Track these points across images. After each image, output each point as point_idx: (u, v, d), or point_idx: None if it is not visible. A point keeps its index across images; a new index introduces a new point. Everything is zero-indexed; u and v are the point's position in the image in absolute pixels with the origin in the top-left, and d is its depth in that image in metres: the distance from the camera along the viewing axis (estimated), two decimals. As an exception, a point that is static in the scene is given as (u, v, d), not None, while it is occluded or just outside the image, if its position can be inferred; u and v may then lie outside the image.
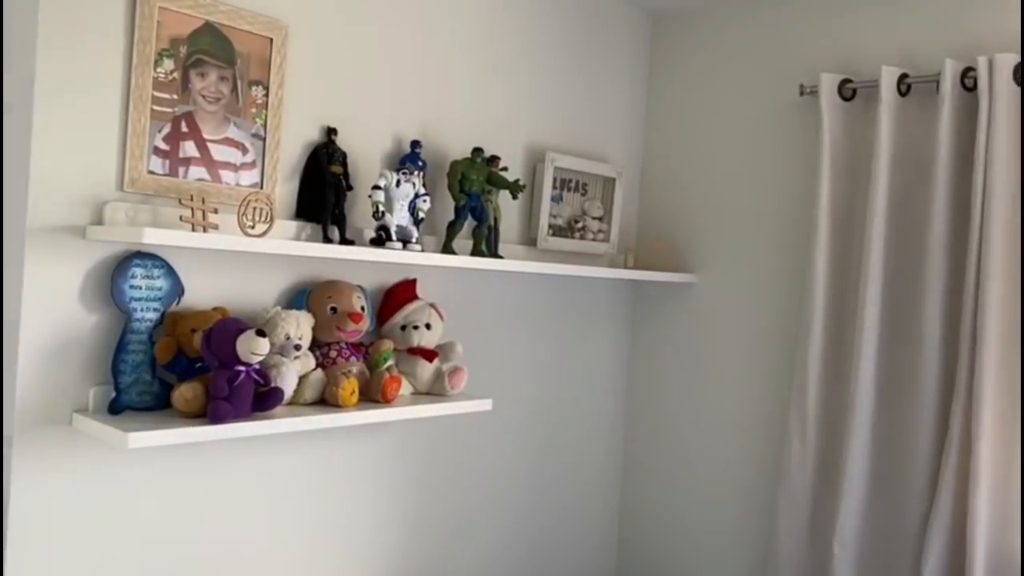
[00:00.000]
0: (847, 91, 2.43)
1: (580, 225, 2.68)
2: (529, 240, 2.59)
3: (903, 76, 2.32)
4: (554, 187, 2.57)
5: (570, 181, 2.66)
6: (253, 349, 1.69)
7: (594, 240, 2.72)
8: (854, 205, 2.42)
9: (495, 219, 2.29)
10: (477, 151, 2.25)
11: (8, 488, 1.64)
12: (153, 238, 1.56)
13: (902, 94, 2.32)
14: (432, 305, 2.20)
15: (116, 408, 1.70)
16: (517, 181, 2.29)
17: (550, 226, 2.58)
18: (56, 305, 1.67)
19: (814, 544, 2.44)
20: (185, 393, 1.69)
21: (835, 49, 2.54)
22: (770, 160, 2.67)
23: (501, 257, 2.30)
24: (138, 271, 1.74)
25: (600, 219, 2.73)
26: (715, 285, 2.79)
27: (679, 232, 2.88)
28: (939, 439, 2.24)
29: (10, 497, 1.64)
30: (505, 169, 2.30)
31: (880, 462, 2.34)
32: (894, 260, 2.33)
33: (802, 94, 2.52)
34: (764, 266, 2.68)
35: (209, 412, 1.67)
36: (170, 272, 1.79)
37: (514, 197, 2.32)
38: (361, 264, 2.13)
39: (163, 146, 1.78)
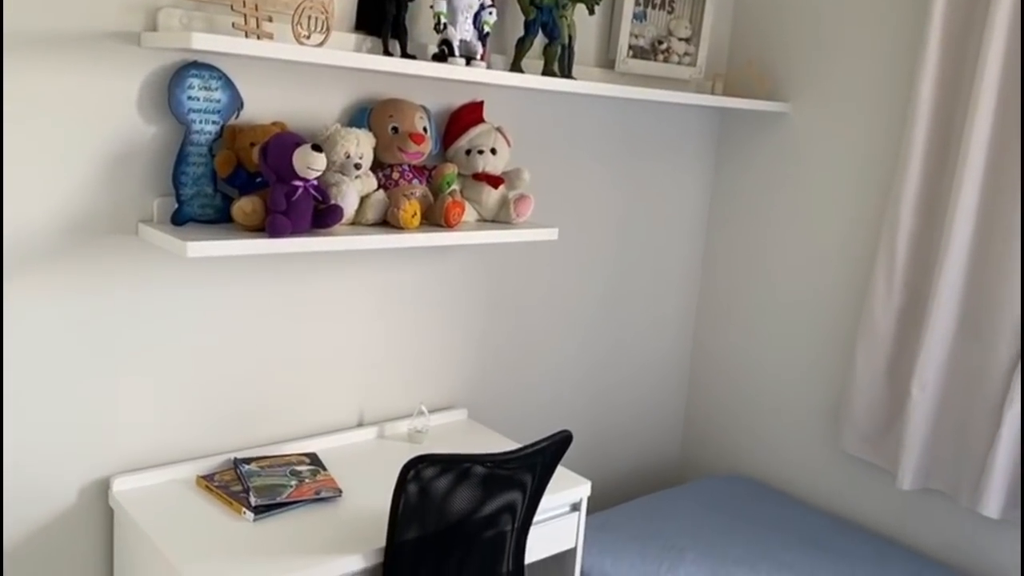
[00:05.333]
0: None
1: (664, 47, 2.50)
2: (607, 62, 2.43)
3: None
4: (637, 3, 2.38)
5: (655, -3, 2.46)
6: (310, 164, 1.66)
7: (679, 64, 2.54)
8: (969, 30, 2.16)
9: (569, 37, 2.14)
10: (550, -40, 2.08)
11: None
12: (204, 43, 1.51)
13: None
14: (499, 129, 2.12)
15: (179, 220, 1.73)
16: (594, -7, 2.11)
17: (631, 47, 2.41)
18: (114, 114, 1.67)
19: (892, 386, 2.36)
20: (244, 207, 1.69)
21: None
22: (882, -26, 2.40)
23: (574, 78, 2.17)
24: (195, 81, 1.71)
25: (687, 40, 2.54)
26: (809, 116, 2.60)
27: (773, 57, 2.66)
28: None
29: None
30: (582, -19, 2.13)
31: (969, 306, 2.20)
32: (1008, 91, 2.09)
33: None
34: (863, 97, 2.46)
35: (267, 226, 1.67)
36: (228, 84, 1.76)
37: (591, 12, 2.15)
38: (424, 83, 2.05)
39: (215, -51, 1.70)
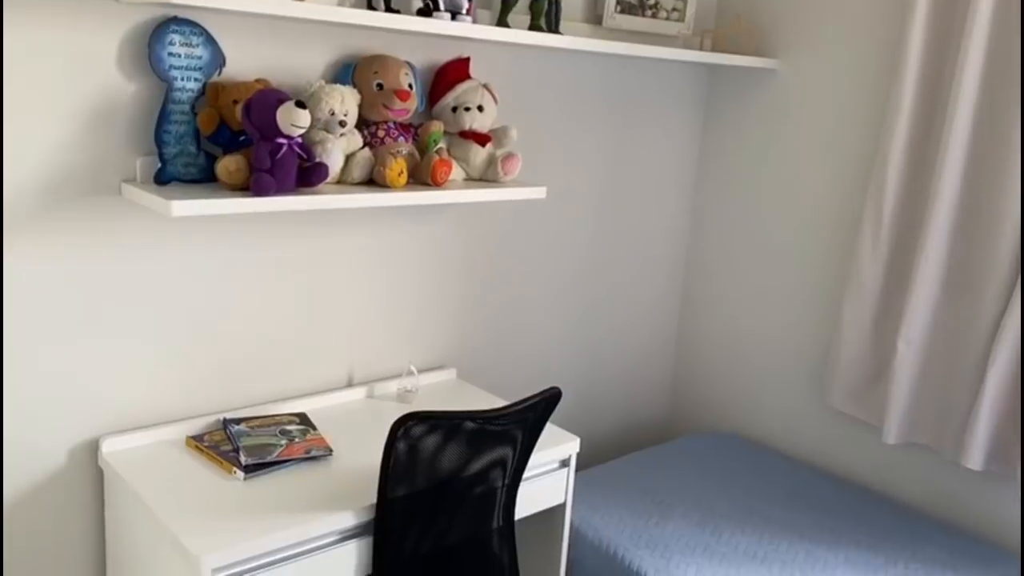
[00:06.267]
0: None
1: (653, 2, 2.47)
2: (594, 17, 2.40)
3: None
4: (624, -42, 2.35)
5: (643, -48, 2.43)
6: (294, 121, 1.64)
7: (667, 19, 2.51)
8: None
9: (556, -9, 2.12)
10: (536, -89, 2.04)
11: None
12: (182, -4, 1.48)
13: None
14: (485, 86, 2.09)
15: (162, 179, 1.71)
16: (580, -52, 2.09)
17: (618, 2, 2.38)
18: (93, 71, 1.64)
19: (878, 342, 2.38)
20: (228, 165, 1.67)
21: None
22: (872, -74, 2.37)
23: (561, 34, 2.15)
24: (176, 38, 1.68)
25: (674, -4, 2.51)
26: (798, 72, 2.58)
27: (761, 12, 2.63)
28: (1021, 241, 2.09)
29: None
30: (567, -66, 2.10)
31: (955, 263, 2.22)
32: (997, 43, 2.08)
33: None
34: (852, 53, 2.44)
35: (252, 184, 1.65)
36: (209, 40, 1.73)
37: (577, -33, 2.13)
38: (409, 38, 2.02)
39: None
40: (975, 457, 2.17)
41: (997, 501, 2.26)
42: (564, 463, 2.04)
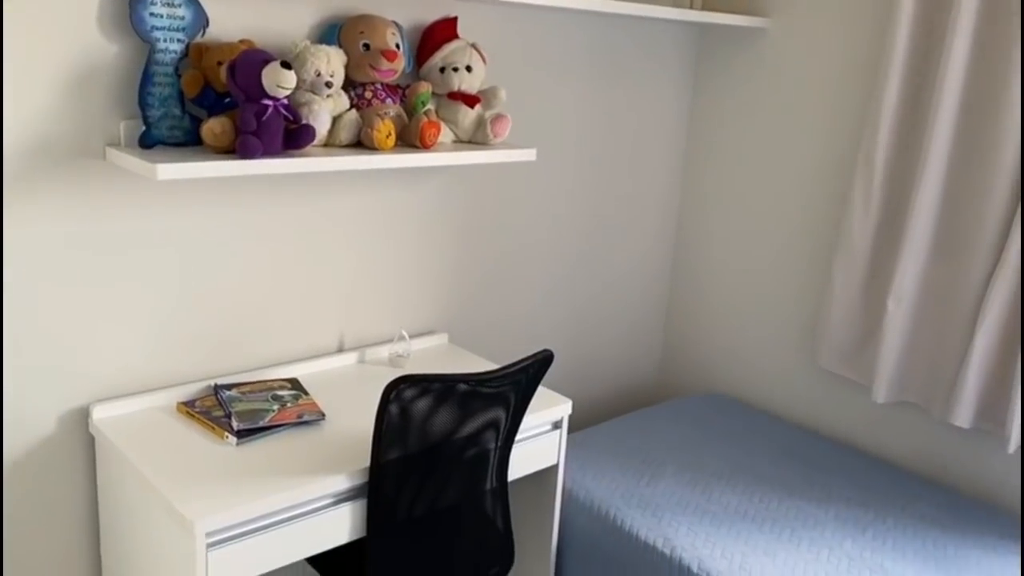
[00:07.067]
0: None
1: (641, -39, 2.44)
2: (583, -24, 2.37)
3: None
4: (613, -86, 2.30)
5: (632, -92, 2.38)
6: (279, 82, 1.62)
7: (656, -22, 2.48)
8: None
9: (544, -51, 2.08)
10: None
11: None
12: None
13: None
14: (473, 45, 2.06)
15: (147, 142, 1.68)
16: (568, -97, 2.05)
17: (607, -39, 2.34)
18: (73, 31, 1.61)
19: (868, 302, 2.39)
20: (214, 127, 1.65)
21: None
22: None
23: (550, -7, 2.12)
24: (157, -3, 1.64)
25: (664, -46, 2.47)
26: (789, 31, 2.55)
27: (753, -30, 2.60)
28: (1011, 203, 2.09)
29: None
30: None
31: (945, 223, 2.22)
32: (990, 7, 2.06)
33: None
34: (843, 11, 2.42)
35: (238, 147, 1.63)
36: (192, 0, 1.69)
37: (565, -77, 2.09)
38: (396, -3, 1.99)
39: None
40: (963, 415, 2.18)
41: (984, 458, 2.29)
42: (556, 425, 2.05)
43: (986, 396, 2.18)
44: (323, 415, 1.86)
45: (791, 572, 1.87)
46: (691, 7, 2.56)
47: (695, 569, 1.89)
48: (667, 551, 1.94)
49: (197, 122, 1.72)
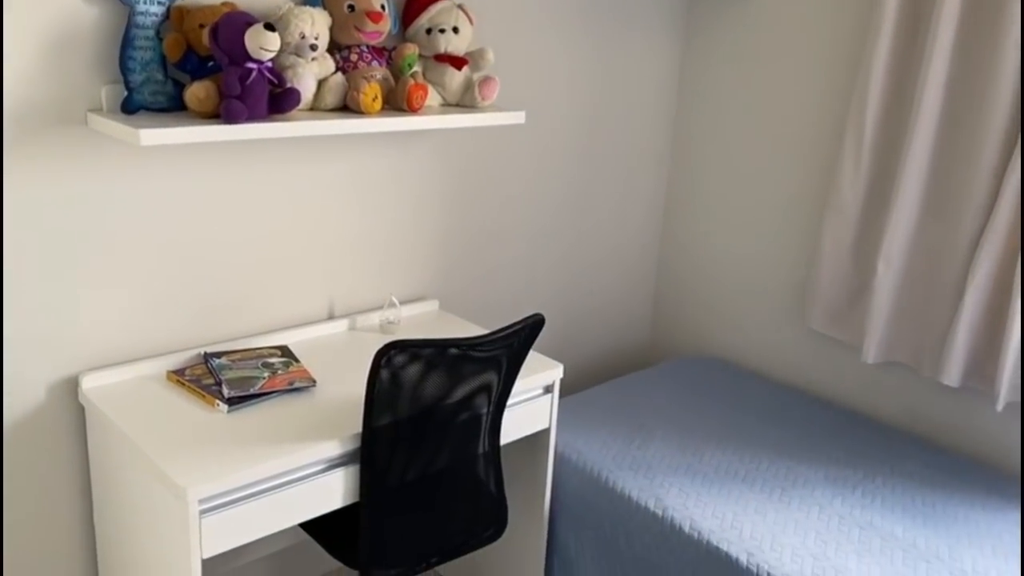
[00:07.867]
0: None
1: (630, -82, 2.40)
2: (571, -65, 2.33)
3: None
4: None
5: None
6: (263, 44, 1.59)
7: (645, -63, 2.44)
8: None
9: (530, -94, 2.05)
10: None
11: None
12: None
13: None
14: (460, 6, 2.03)
15: (129, 108, 1.65)
16: None
17: (595, -82, 2.30)
18: (51, -5, 1.57)
19: (858, 263, 2.39)
20: (197, 92, 1.62)
21: None
22: None
23: (537, -48, 2.09)
24: (135, -42, 1.61)
25: (653, -89, 2.43)
26: (779, -10, 2.53)
27: (743, -72, 2.56)
28: (1002, 164, 2.08)
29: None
30: None
31: (935, 184, 2.21)
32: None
33: None
34: (836, -35, 2.39)
35: (222, 111, 1.60)
36: (171, -39, 1.66)
37: None
38: (381, -43, 1.95)
39: None
40: (952, 374, 2.20)
41: (973, 416, 2.31)
42: (548, 389, 2.05)
43: (975, 355, 2.20)
44: (314, 382, 1.86)
45: (782, 530, 1.89)
46: (680, -34, 2.53)
47: (687, 529, 1.91)
48: (659, 511, 1.96)
49: (180, 87, 1.69)
